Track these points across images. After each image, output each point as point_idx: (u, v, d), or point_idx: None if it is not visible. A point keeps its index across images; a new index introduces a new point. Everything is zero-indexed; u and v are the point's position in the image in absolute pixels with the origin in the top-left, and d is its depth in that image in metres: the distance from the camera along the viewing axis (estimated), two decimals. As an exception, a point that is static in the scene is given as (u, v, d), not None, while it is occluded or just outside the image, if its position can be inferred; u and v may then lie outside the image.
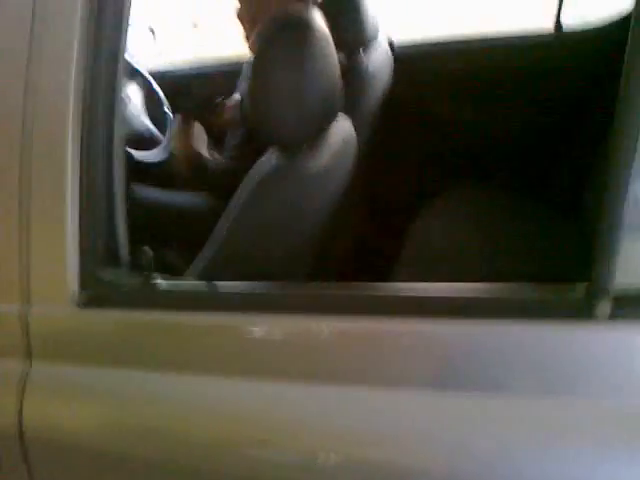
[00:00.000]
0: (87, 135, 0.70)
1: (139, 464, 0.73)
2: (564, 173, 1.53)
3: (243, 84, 1.52)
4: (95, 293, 0.73)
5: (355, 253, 1.23)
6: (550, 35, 1.80)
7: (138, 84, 2.07)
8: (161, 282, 0.74)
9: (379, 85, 1.51)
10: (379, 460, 0.66)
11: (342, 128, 1.08)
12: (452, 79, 1.83)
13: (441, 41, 2.00)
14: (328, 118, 0.98)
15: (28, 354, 0.76)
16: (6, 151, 0.74)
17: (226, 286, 0.76)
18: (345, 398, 0.65)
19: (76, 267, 0.72)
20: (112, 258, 0.76)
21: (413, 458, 0.65)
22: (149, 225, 1.17)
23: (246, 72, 1.55)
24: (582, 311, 0.60)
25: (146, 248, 0.73)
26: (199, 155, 1.43)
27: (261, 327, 0.69)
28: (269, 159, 0.91)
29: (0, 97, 0.74)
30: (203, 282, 0.81)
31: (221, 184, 1.27)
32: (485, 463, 0.63)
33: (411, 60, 1.80)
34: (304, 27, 0.89)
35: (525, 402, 0.62)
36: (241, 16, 1.42)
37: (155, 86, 2.08)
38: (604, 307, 0.59)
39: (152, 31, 2.32)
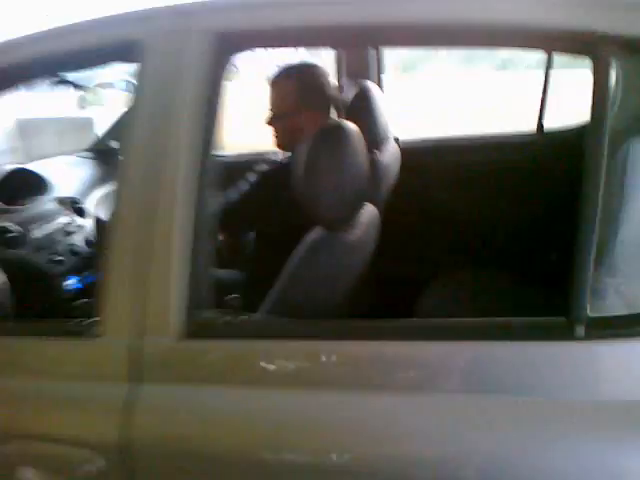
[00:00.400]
0: (197, 210, 0.96)
1: (239, 469, 0.94)
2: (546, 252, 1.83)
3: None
4: (199, 327, 0.97)
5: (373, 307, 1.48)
6: (533, 135, 2.15)
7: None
8: (246, 317, 1.00)
9: (391, 175, 1.81)
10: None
11: (368, 211, 1.36)
12: (447, 171, 2.16)
13: (439, 139, 2.35)
14: (361, 202, 1.26)
15: (140, 379, 0.98)
16: (136, 214, 0.99)
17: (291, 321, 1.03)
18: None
19: (184, 308, 0.96)
20: (211, 300, 1.01)
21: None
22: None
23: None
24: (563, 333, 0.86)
25: (236, 295, 0.99)
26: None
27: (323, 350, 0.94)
28: (317, 233, 1.17)
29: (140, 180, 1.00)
30: (275, 318, 1.08)
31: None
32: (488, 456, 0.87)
33: (415, 155, 2.12)
34: (345, 133, 1.19)
35: (517, 401, 0.86)
36: (272, 123, 1.70)
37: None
38: (580, 330, 0.85)
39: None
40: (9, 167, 2.03)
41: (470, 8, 0.92)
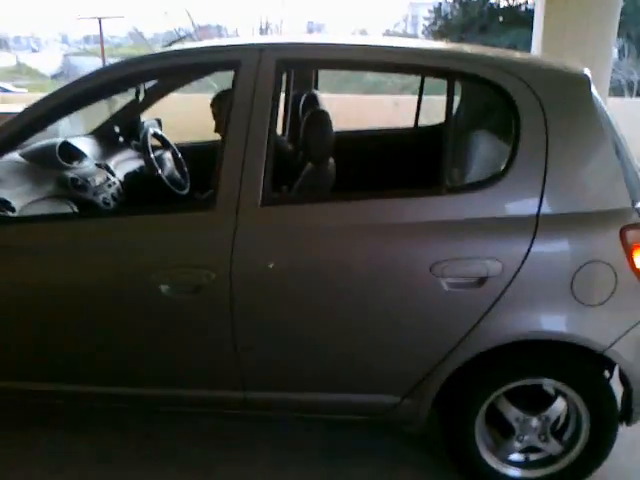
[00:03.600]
0: (268, 142, 1.96)
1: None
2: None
3: None
4: (271, 199, 2.00)
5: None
6: (412, 128, 3.37)
7: (171, 152, 3.34)
8: (294, 193, 2.07)
9: None
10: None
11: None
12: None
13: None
14: (330, 152, 2.35)
15: (237, 231, 1.96)
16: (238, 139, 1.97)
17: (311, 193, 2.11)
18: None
19: (261, 188, 1.98)
20: (271, 185, 2.06)
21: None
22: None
23: None
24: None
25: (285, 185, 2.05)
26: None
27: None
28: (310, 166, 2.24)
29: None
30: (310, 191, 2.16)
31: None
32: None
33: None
34: (324, 113, 2.28)
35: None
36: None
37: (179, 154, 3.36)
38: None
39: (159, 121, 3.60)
40: (59, 140, 2.89)
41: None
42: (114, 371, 2.19)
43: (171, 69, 2.24)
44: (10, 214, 2.23)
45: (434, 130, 3.27)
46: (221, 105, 2.85)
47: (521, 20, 20.10)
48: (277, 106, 2.00)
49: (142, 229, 2.06)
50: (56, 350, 2.17)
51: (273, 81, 1.98)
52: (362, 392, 2.08)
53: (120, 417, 2.65)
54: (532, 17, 5.94)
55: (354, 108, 6.71)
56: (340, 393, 2.09)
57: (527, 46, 6.28)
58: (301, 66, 3.17)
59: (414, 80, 3.44)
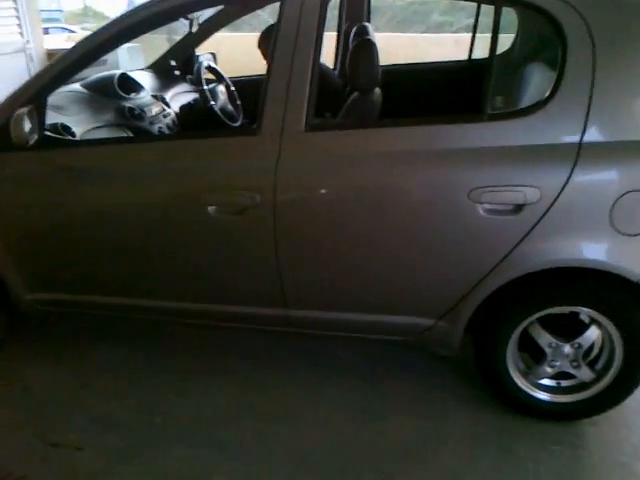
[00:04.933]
0: (312, 68, 1.99)
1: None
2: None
3: None
4: (313, 125, 2.06)
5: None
6: (465, 61, 3.32)
7: (225, 85, 3.42)
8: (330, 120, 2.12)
9: None
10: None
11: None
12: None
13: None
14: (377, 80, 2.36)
15: (280, 157, 2.04)
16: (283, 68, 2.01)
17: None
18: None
19: (306, 113, 2.04)
20: (314, 114, 2.11)
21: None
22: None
23: None
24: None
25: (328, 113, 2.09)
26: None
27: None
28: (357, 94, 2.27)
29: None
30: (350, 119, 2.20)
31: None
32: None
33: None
34: (371, 42, 2.29)
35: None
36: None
37: (232, 87, 3.44)
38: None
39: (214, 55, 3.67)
40: (118, 72, 3.00)
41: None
42: (166, 286, 2.35)
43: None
44: (71, 138, 2.38)
45: (487, 62, 3.21)
46: (268, 38, 2.89)
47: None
48: (322, 35, 2.02)
49: (192, 153, 2.16)
50: (114, 265, 2.34)
51: (319, 9, 2.00)
52: (398, 313, 2.16)
53: (173, 330, 2.85)
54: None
55: (414, 47, 6.59)
56: (377, 314, 2.18)
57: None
58: None
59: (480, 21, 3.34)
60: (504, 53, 3.07)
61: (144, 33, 2.29)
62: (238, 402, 2.37)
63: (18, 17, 5.87)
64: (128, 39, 2.31)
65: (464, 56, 3.51)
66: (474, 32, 3.44)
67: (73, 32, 16.33)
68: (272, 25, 2.84)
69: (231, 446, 2.15)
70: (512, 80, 2.45)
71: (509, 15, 3.06)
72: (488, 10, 2.80)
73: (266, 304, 2.25)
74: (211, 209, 2.08)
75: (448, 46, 6.59)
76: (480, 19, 3.42)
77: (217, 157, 2.12)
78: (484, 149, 1.90)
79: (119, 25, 2.17)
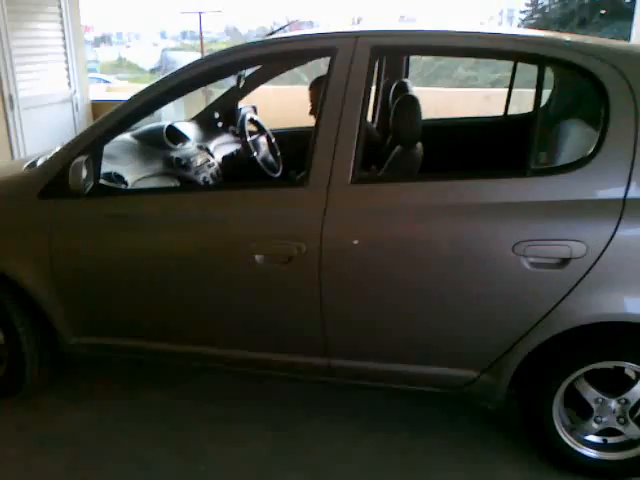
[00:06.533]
0: (359, 125, 2.06)
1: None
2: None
3: None
4: (359, 178, 2.11)
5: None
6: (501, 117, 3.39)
7: (266, 137, 3.53)
8: (379, 173, 2.17)
9: None
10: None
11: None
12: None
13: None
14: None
15: (327, 206, 2.10)
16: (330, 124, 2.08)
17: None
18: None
19: (352, 167, 2.10)
20: (360, 166, 2.18)
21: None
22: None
23: None
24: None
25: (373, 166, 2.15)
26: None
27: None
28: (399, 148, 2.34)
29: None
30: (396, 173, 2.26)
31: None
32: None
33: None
34: (414, 98, 2.37)
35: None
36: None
37: (273, 139, 3.55)
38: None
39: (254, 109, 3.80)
40: (166, 123, 3.13)
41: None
42: (211, 333, 2.38)
43: (272, 56, 2.41)
44: (123, 187, 2.47)
45: (524, 118, 3.28)
46: (318, 89, 3.00)
47: (625, 13, 19.14)
48: (369, 90, 2.11)
49: (241, 203, 2.23)
50: (160, 312, 2.39)
51: (367, 66, 2.09)
52: (442, 365, 2.16)
53: (212, 377, 2.88)
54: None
55: (445, 101, 6.71)
56: (421, 365, 2.18)
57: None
58: (396, 52, 3.27)
59: (504, 76, 3.43)
60: (541, 109, 3.13)
61: (197, 88, 2.40)
62: (277, 451, 2.37)
63: (67, 68, 6.14)
64: (182, 94, 2.43)
65: (496, 112, 3.59)
66: (510, 88, 3.51)
67: (108, 82, 17.06)
68: (320, 77, 2.96)
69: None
70: (549, 136, 2.50)
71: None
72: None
73: (309, 353, 2.27)
74: (258, 258, 2.13)
75: (479, 101, 6.70)
76: (502, 74, 3.51)
77: (265, 207, 2.18)
78: (529, 203, 1.94)
79: (175, 80, 2.28)
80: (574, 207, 1.90)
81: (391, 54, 3.32)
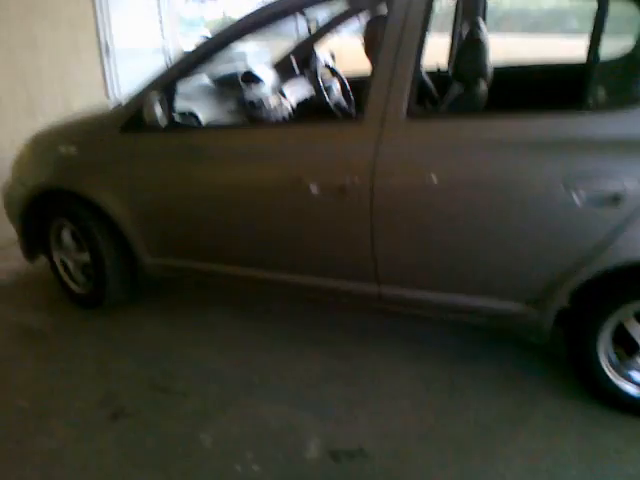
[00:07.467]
0: (417, 56, 2.10)
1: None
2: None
3: None
4: (414, 114, 2.15)
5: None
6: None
7: (340, 82, 3.60)
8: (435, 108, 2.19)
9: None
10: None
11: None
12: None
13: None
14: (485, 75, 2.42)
15: (381, 141, 2.16)
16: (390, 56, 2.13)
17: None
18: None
19: (407, 103, 2.14)
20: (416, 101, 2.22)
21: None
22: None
23: None
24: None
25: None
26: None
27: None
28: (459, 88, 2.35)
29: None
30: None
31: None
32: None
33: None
34: (481, 41, 2.36)
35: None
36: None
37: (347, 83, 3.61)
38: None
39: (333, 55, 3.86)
40: (243, 68, 3.28)
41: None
42: (270, 258, 2.56)
43: None
44: (196, 124, 2.66)
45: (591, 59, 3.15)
46: (373, 29, 3.04)
47: None
48: (427, 27, 2.13)
49: (301, 137, 2.35)
50: (225, 237, 2.60)
51: (425, 3, 2.10)
52: (490, 296, 2.21)
53: (272, 302, 3.08)
54: None
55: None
56: (469, 296, 2.25)
57: None
58: None
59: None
60: (627, 55, 3.01)
61: (264, 29, 2.51)
62: (329, 370, 2.54)
63: (160, 21, 6.43)
64: (250, 33, 2.54)
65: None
66: (594, 35, 3.36)
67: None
68: (376, 17, 3.00)
69: (318, 406, 2.33)
70: (612, 71, 2.44)
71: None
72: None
73: (361, 280, 2.38)
74: (313, 187, 2.24)
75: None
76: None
77: (322, 141, 2.28)
78: (584, 139, 1.91)
79: (242, 23, 2.40)
80: (630, 143, 1.87)
81: None
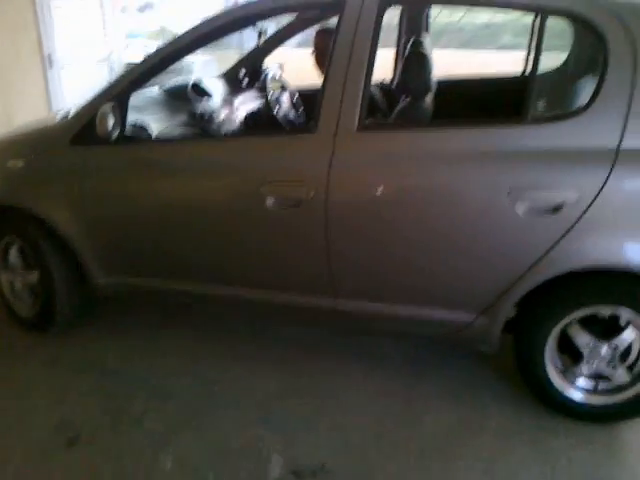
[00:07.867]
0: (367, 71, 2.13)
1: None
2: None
3: None
4: (365, 125, 2.20)
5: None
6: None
7: (289, 93, 3.64)
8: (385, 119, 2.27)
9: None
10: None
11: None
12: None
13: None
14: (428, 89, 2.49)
15: (334, 149, 2.20)
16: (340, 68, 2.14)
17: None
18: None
19: (358, 112, 2.19)
20: (366, 113, 2.27)
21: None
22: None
23: None
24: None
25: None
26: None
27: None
28: (405, 100, 2.42)
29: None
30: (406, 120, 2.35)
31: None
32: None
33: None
34: (424, 55, 2.43)
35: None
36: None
37: (296, 95, 3.65)
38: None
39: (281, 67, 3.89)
40: (192, 79, 3.27)
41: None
42: (225, 274, 2.54)
43: (282, 9, 2.50)
44: (148, 136, 2.64)
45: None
46: (322, 40, 3.10)
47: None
48: (377, 42, 2.17)
49: (253, 150, 2.35)
50: (180, 252, 2.55)
51: (375, 19, 2.15)
52: (440, 307, 2.27)
53: (226, 319, 3.06)
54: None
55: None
56: (420, 307, 2.30)
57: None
58: (405, 3, 3.36)
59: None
60: (559, 68, 3.15)
61: (214, 41, 2.52)
62: (285, 387, 2.54)
63: (104, 30, 6.34)
64: (201, 45, 2.55)
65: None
66: (533, 47, 3.50)
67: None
68: (325, 29, 3.09)
69: (278, 423, 2.32)
70: (549, 84, 2.56)
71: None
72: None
73: (316, 293, 2.40)
74: (269, 200, 2.25)
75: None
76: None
77: (276, 154, 2.29)
78: (524, 150, 2.00)
79: (192, 34, 2.40)
80: (568, 154, 1.95)
81: (400, 3, 3.19)
